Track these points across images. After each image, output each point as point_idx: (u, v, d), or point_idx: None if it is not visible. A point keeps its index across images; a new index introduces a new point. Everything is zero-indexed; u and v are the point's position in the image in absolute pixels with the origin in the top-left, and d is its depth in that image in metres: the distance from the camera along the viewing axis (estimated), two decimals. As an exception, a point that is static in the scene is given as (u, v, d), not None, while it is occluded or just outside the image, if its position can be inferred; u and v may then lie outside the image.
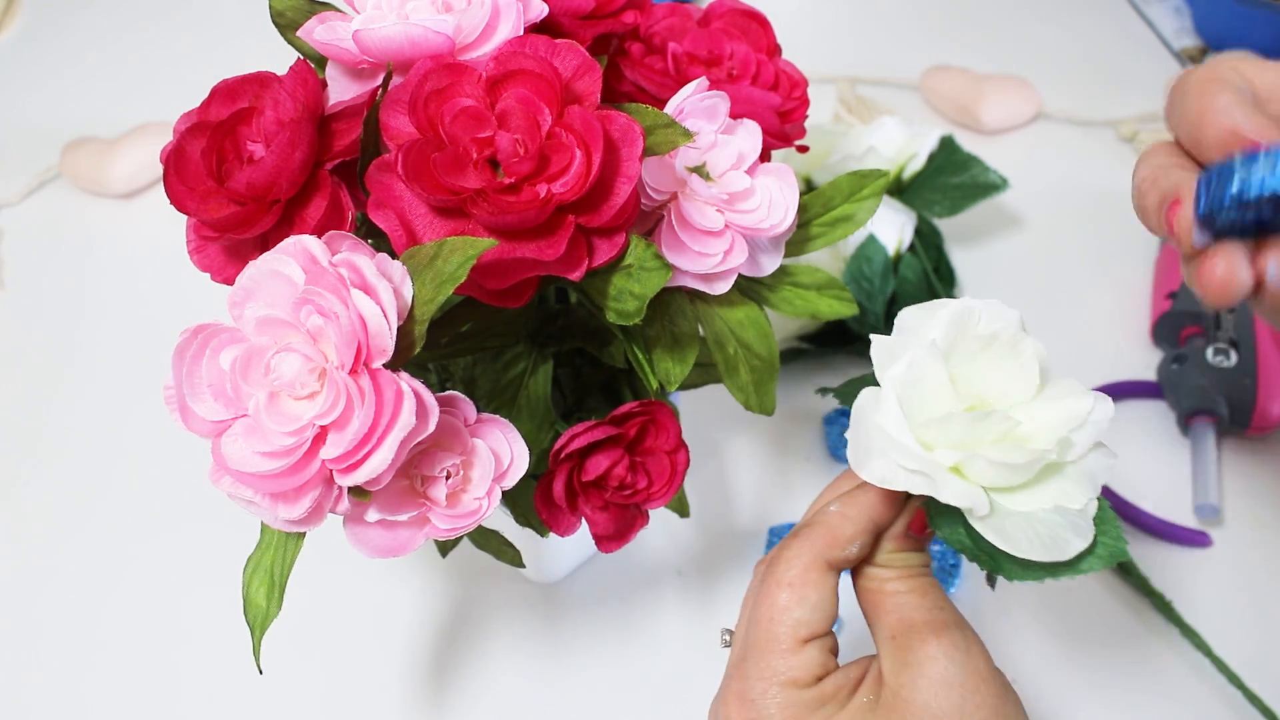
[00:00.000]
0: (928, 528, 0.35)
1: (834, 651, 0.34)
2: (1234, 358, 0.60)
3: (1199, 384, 0.59)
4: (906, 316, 0.35)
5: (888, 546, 0.35)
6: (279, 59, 0.37)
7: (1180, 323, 0.63)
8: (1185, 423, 0.60)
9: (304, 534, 0.34)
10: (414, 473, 0.33)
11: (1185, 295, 0.64)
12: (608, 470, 0.38)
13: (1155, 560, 0.56)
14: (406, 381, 0.30)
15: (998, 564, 0.32)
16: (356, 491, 0.31)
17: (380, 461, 0.30)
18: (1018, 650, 0.54)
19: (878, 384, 0.34)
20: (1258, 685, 0.51)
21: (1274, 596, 0.55)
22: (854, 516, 0.34)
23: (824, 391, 0.41)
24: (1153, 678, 0.53)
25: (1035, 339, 0.34)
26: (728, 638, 0.37)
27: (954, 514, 0.33)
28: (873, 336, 0.34)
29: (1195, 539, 0.57)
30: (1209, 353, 0.60)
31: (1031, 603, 0.55)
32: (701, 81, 0.37)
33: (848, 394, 0.40)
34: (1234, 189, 0.30)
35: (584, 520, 0.39)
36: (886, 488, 0.32)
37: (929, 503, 0.33)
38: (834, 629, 0.34)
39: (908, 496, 0.35)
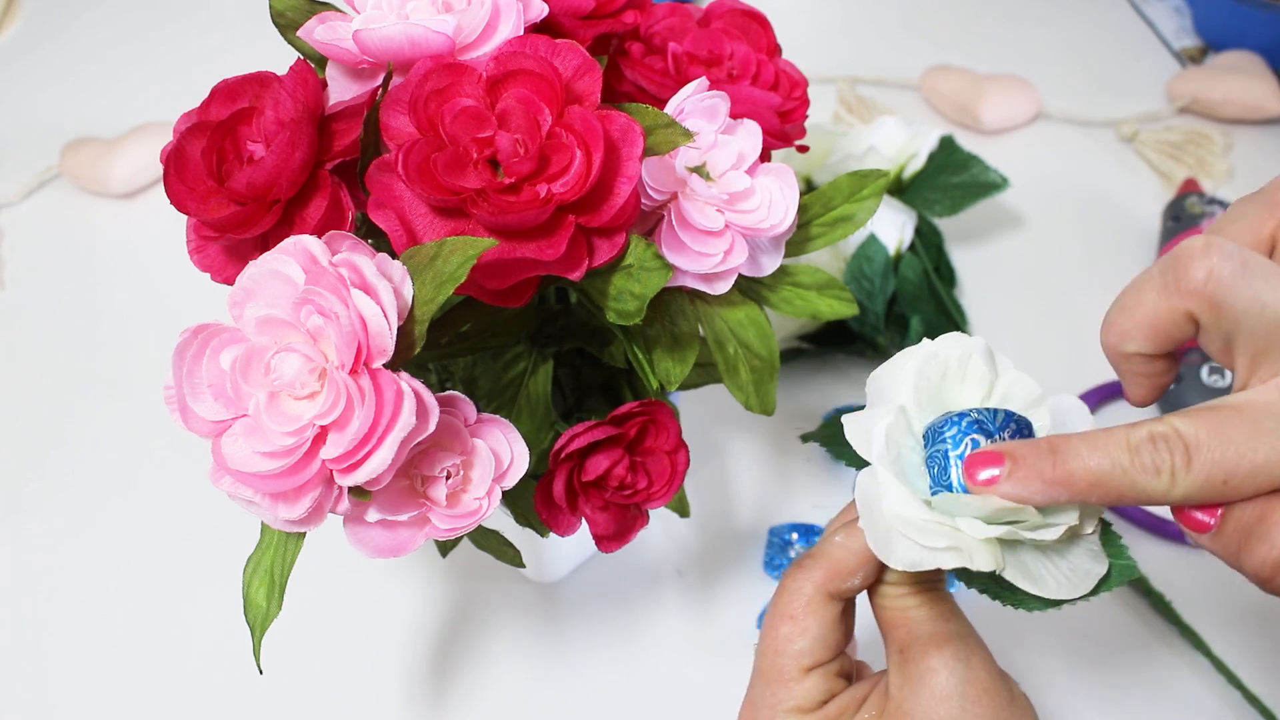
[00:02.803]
0: None
1: (844, 674, 0.35)
2: (1229, 377, 0.60)
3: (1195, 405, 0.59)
4: (872, 384, 0.33)
5: None
6: (279, 59, 0.37)
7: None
8: None
9: (304, 534, 0.34)
10: (414, 473, 0.33)
11: None
12: (608, 470, 0.38)
13: (1155, 560, 0.56)
14: (406, 381, 0.30)
15: (1019, 600, 0.31)
16: (356, 491, 0.31)
17: (380, 461, 0.30)
18: (1017, 651, 0.54)
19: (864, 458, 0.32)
20: (1257, 685, 0.51)
21: (1273, 599, 0.55)
22: (857, 549, 0.34)
23: (806, 438, 0.40)
24: (1152, 678, 0.52)
25: (999, 360, 0.32)
26: None
27: None
28: (845, 417, 0.32)
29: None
30: (1204, 372, 0.60)
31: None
32: (701, 81, 0.37)
33: (830, 439, 0.39)
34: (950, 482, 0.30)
35: (584, 520, 0.39)
36: (919, 570, 0.30)
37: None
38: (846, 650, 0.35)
39: None
